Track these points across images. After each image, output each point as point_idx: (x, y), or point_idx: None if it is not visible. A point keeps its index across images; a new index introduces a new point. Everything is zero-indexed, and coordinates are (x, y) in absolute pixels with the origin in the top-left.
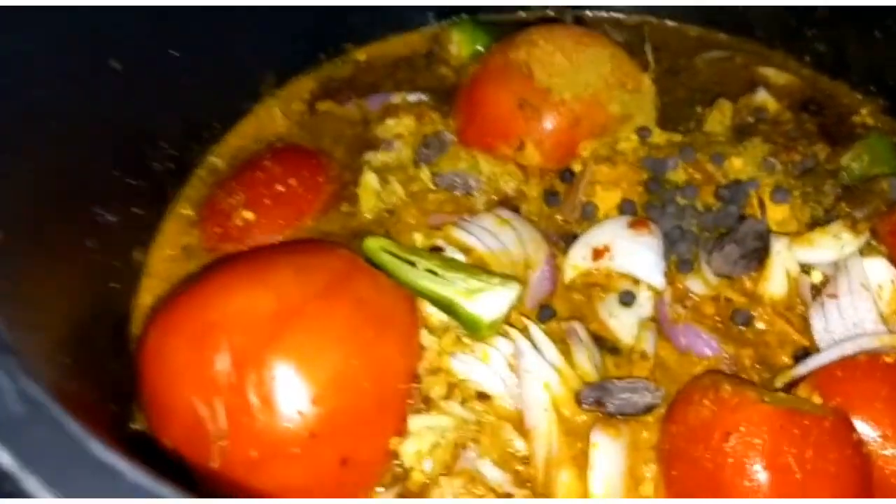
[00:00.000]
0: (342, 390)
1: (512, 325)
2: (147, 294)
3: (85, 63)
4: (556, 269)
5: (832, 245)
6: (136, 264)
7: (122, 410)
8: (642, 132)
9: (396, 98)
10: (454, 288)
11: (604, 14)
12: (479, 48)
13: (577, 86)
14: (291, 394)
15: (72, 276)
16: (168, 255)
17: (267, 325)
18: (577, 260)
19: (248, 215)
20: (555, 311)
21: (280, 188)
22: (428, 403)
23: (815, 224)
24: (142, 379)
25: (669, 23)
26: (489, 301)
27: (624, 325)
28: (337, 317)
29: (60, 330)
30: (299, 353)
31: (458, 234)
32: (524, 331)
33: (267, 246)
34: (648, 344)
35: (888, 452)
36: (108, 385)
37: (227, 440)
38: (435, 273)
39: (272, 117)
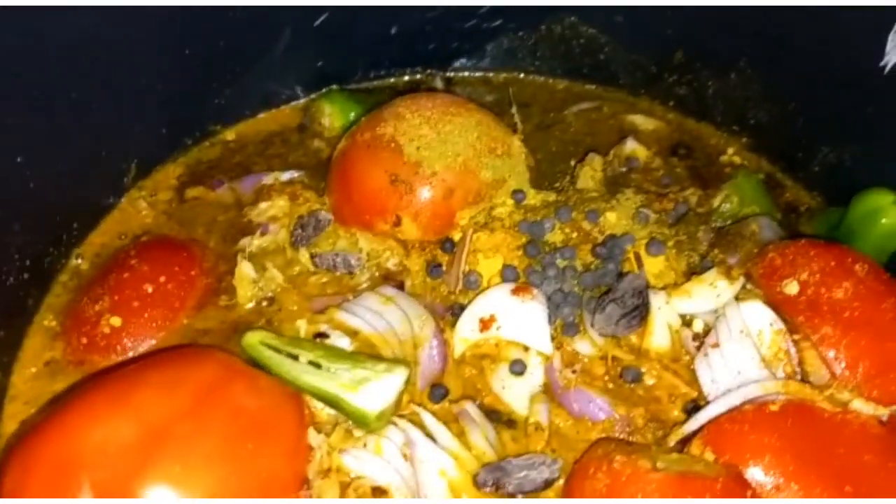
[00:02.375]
0: None
1: (402, 415)
2: (10, 421)
3: None
4: (444, 345)
5: (709, 294)
6: None
7: None
8: (517, 195)
9: (269, 178)
10: (338, 381)
11: (472, 74)
12: (352, 118)
13: (447, 156)
14: None
15: None
16: (31, 373)
17: (131, 455)
18: (466, 333)
19: (116, 321)
20: (447, 389)
21: (149, 288)
22: None
23: (692, 272)
24: None
25: (537, 78)
26: (375, 391)
27: (517, 395)
28: (210, 433)
29: None
30: (169, 480)
31: (343, 317)
32: (416, 419)
33: (132, 360)
34: (542, 415)
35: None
36: None
37: None
38: (318, 365)
39: (137, 209)
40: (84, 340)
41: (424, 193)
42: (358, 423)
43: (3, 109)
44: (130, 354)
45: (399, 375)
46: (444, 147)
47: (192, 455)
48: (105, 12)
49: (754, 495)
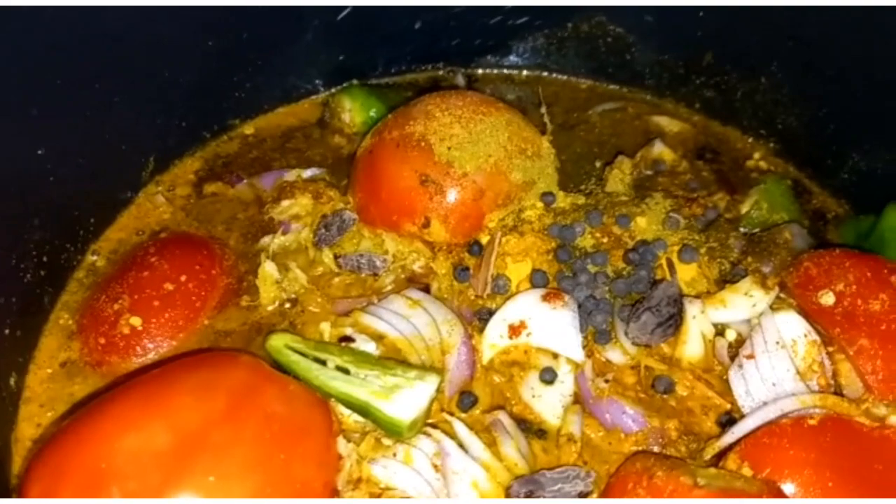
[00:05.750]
0: None
1: (434, 424)
2: (27, 425)
3: None
4: (472, 350)
5: (744, 303)
6: (12, 392)
7: None
8: (546, 198)
9: (291, 175)
10: (369, 388)
11: (495, 71)
12: (373, 114)
13: (479, 157)
14: None
15: None
16: (47, 374)
17: (164, 464)
18: (495, 339)
19: (135, 321)
20: (476, 397)
21: (170, 287)
22: None
23: (724, 280)
24: None
25: (560, 76)
26: (407, 399)
27: (548, 404)
28: (243, 441)
29: None
30: (203, 491)
31: (368, 321)
32: (447, 428)
33: (158, 364)
34: (575, 427)
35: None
36: None
37: None
38: (347, 371)
39: (155, 205)
40: (102, 341)
41: (455, 194)
42: (389, 431)
43: (26, 101)
44: (151, 356)
45: (431, 383)
46: (476, 147)
47: (226, 463)
48: (127, 6)
49: None
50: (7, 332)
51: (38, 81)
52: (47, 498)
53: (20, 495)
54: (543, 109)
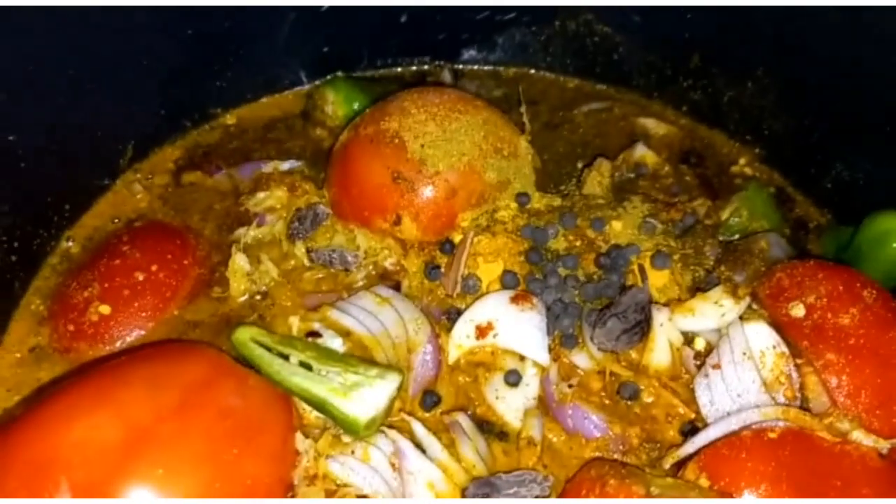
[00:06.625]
0: None
1: (391, 424)
2: None
3: None
4: (439, 350)
5: (713, 312)
6: None
7: None
8: (521, 198)
9: (268, 167)
10: (328, 385)
11: (482, 67)
12: (356, 107)
13: (452, 156)
14: None
15: None
16: (16, 359)
17: (113, 455)
18: (462, 339)
19: (104, 309)
20: (440, 396)
21: (140, 276)
22: None
23: (697, 287)
24: None
25: (548, 74)
26: (366, 397)
27: (511, 407)
28: (195, 435)
29: None
30: (151, 483)
31: (336, 317)
32: (406, 427)
33: (121, 353)
34: (535, 430)
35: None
36: None
37: None
38: (309, 367)
39: (132, 192)
40: (71, 327)
41: (426, 193)
42: (347, 429)
43: None
44: (118, 344)
45: (391, 382)
46: (449, 146)
47: (176, 457)
48: None
49: None
50: None
51: (5, 67)
52: None
53: None
54: (523, 108)
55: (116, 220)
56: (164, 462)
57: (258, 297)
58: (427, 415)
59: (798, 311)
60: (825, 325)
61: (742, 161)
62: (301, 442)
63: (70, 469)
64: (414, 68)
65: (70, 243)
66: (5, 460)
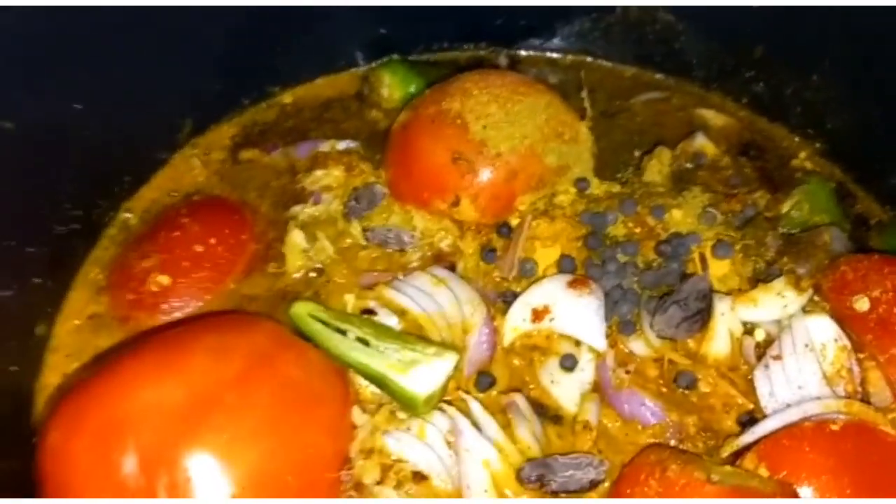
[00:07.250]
0: (264, 487)
1: (449, 401)
2: (52, 373)
3: None
4: (494, 332)
5: (776, 303)
6: (39, 340)
7: None
8: (580, 183)
9: (325, 146)
10: (387, 361)
11: (538, 54)
12: (412, 90)
13: (513, 138)
14: (208, 495)
15: None
16: (74, 326)
17: (178, 420)
18: (517, 322)
19: (164, 280)
20: (494, 378)
21: (199, 249)
22: (360, 489)
23: (757, 278)
24: (44, 479)
25: (605, 63)
26: (424, 375)
27: (566, 391)
28: (257, 404)
29: None
30: (214, 449)
31: (392, 296)
32: (463, 406)
33: (181, 322)
34: (592, 414)
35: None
36: (8, 480)
37: None
38: (367, 343)
39: (190, 167)
40: (130, 297)
41: (486, 174)
42: (404, 405)
43: (65, 56)
44: (176, 315)
45: (449, 361)
46: (511, 128)
47: (238, 425)
48: None
49: None
50: (38, 280)
51: (75, 39)
52: (63, 446)
53: (41, 440)
54: (584, 94)
55: (174, 194)
56: (228, 429)
57: (313, 274)
58: (482, 396)
59: (862, 304)
60: (891, 319)
61: (802, 155)
62: (359, 416)
63: (137, 432)
64: (469, 53)
65: (129, 214)
66: (75, 422)
